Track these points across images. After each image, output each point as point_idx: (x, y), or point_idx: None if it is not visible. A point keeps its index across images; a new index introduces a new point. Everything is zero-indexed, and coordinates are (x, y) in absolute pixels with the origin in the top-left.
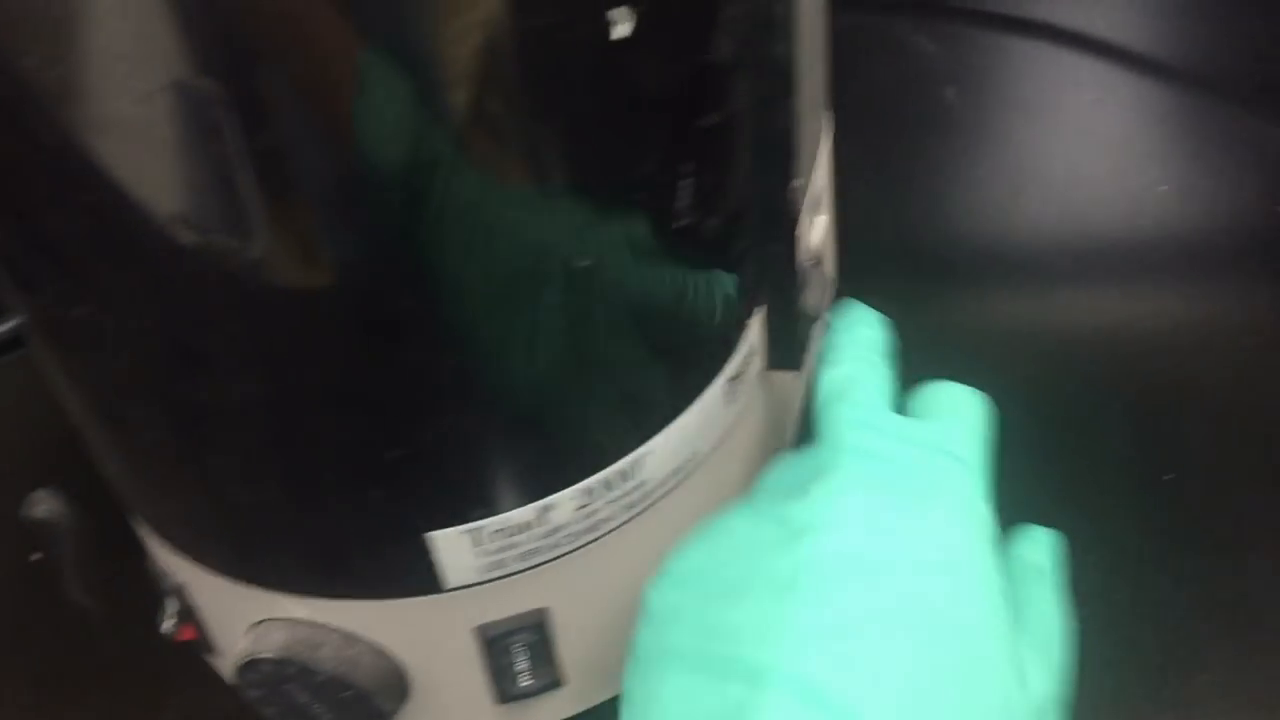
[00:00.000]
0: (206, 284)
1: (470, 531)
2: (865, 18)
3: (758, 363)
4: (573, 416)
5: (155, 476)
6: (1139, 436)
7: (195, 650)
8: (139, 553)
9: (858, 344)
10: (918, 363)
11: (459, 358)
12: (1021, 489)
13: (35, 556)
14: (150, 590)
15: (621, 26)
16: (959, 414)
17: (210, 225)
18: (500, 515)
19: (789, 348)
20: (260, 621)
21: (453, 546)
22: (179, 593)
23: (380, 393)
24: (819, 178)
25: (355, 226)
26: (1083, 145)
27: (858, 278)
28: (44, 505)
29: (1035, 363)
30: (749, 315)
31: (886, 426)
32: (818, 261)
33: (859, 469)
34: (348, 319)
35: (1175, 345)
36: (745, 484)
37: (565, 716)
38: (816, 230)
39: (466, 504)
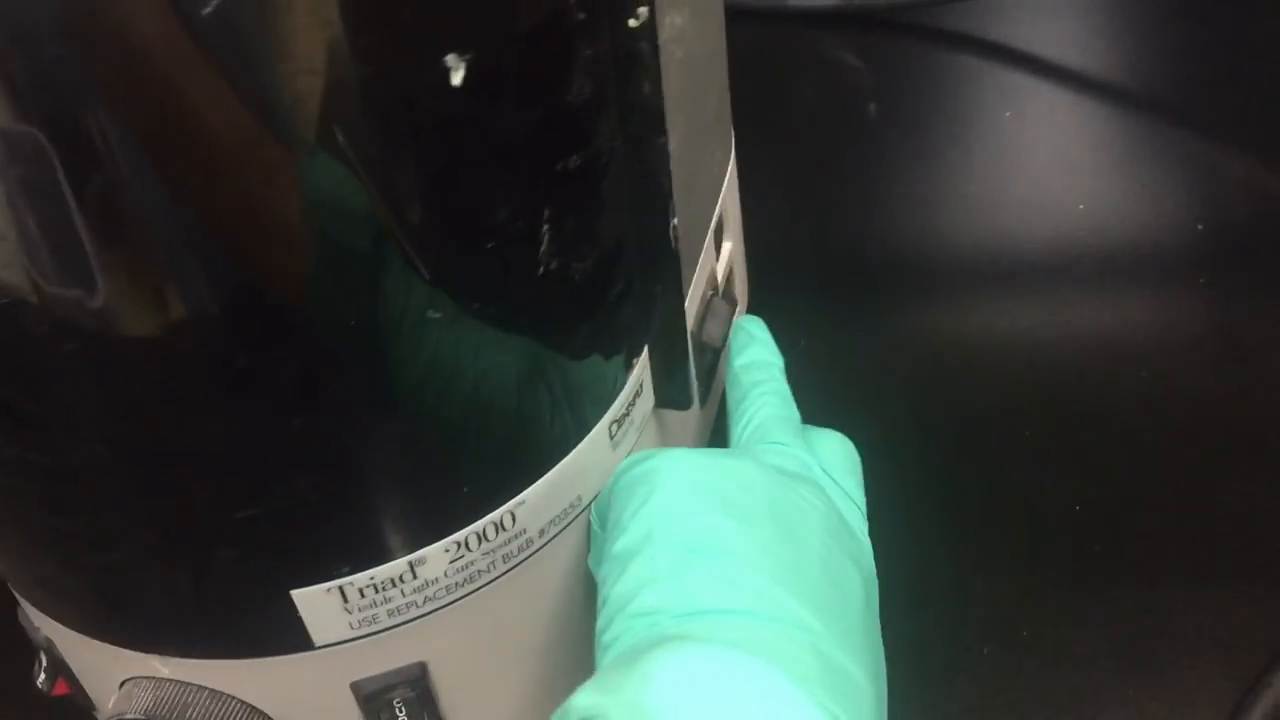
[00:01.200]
0: (49, 337)
1: (336, 589)
2: (790, 31)
3: (647, 402)
4: (440, 467)
5: (7, 536)
6: (1048, 464)
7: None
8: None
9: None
10: (837, 377)
11: (314, 411)
12: (926, 510)
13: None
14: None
15: (457, 74)
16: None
17: (52, 278)
18: (367, 571)
19: (679, 386)
20: (128, 680)
21: (319, 605)
22: (48, 649)
23: (232, 449)
24: (726, 202)
25: (204, 277)
26: (1003, 161)
27: (777, 293)
28: None
29: (951, 377)
30: (635, 355)
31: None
32: (717, 291)
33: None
34: (196, 373)
35: (1089, 365)
36: None
37: None
38: (723, 257)
39: (330, 561)
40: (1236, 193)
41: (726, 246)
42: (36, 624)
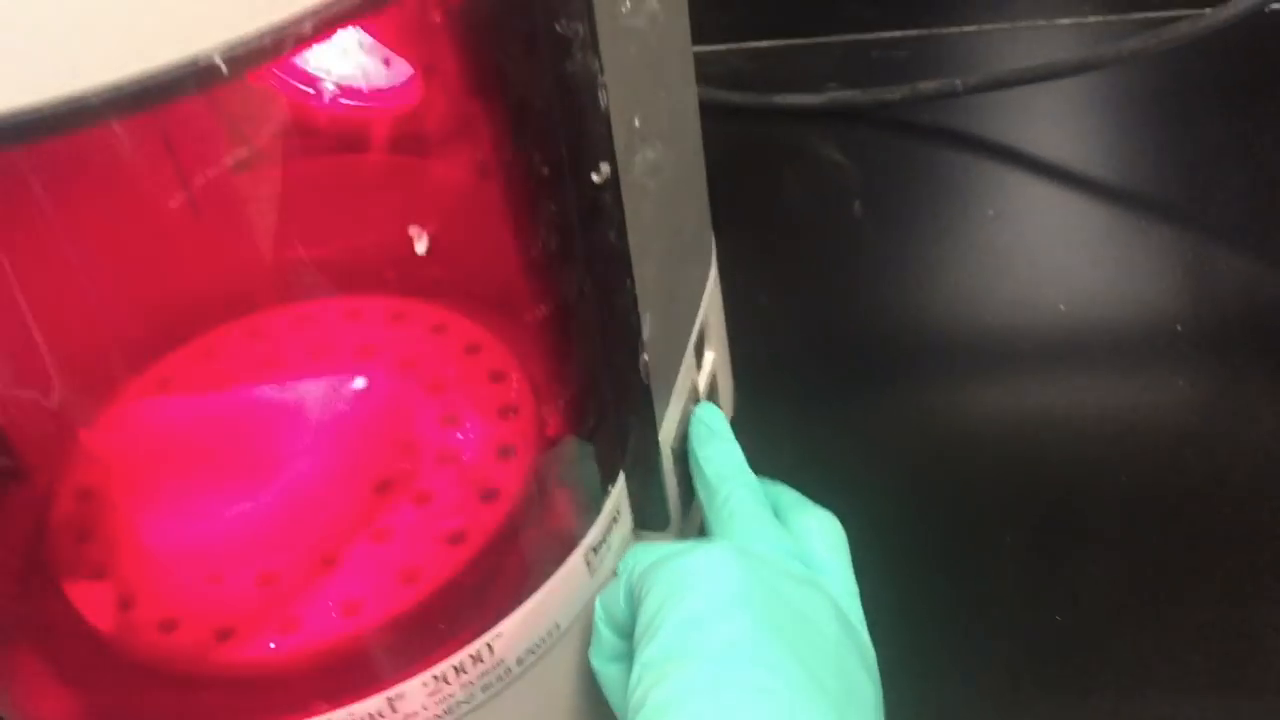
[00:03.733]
0: None
1: None
2: (776, 127)
3: (625, 526)
4: (416, 602)
5: None
6: (1026, 567)
7: None
8: None
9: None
10: (821, 471)
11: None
12: (906, 603)
13: None
14: None
15: (420, 244)
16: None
17: None
18: (346, 708)
19: (657, 508)
20: None
21: None
22: None
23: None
24: (707, 312)
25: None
26: (987, 258)
27: (761, 390)
28: None
29: (934, 473)
30: (610, 482)
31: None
32: (698, 400)
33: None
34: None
35: (1067, 469)
36: None
37: None
38: (705, 366)
39: (308, 698)
40: (1217, 291)
41: (709, 356)
42: None
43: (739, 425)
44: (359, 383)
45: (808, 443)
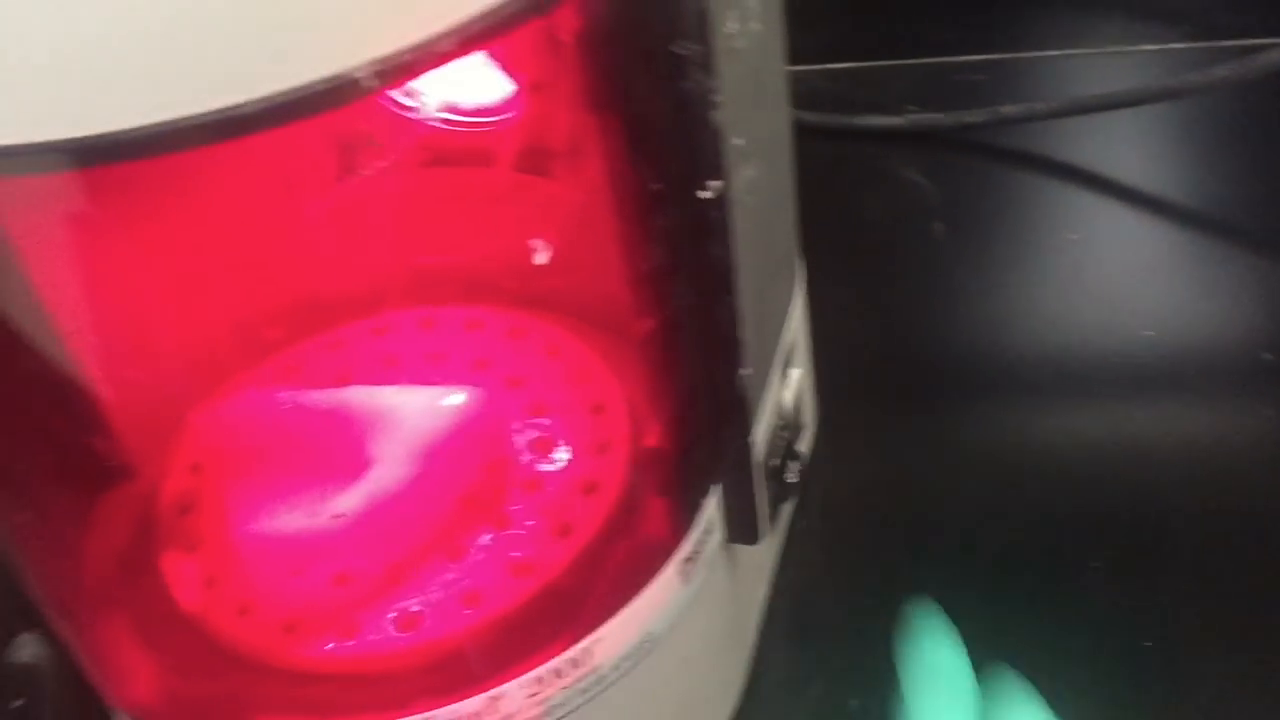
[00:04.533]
0: None
1: None
2: (856, 148)
3: (716, 538)
4: (522, 607)
5: None
6: (1117, 595)
7: None
8: None
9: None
10: (896, 490)
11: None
12: (986, 627)
13: (17, 704)
14: None
15: (541, 255)
16: None
17: None
18: (449, 707)
19: (748, 521)
20: None
21: None
22: None
23: None
24: (794, 331)
25: None
26: (1069, 283)
27: (842, 410)
28: (28, 650)
29: (1018, 493)
30: (704, 494)
31: None
32: (784, 419)
33: None
34: None
35: (1152, 496)
36: (708, 660)
37: None
38: (790, 384)
39: (415, 695)
40: None
41: (794, 374)
42: None
43: (821, 443)
44: (458, 391)
45: (887, 463)
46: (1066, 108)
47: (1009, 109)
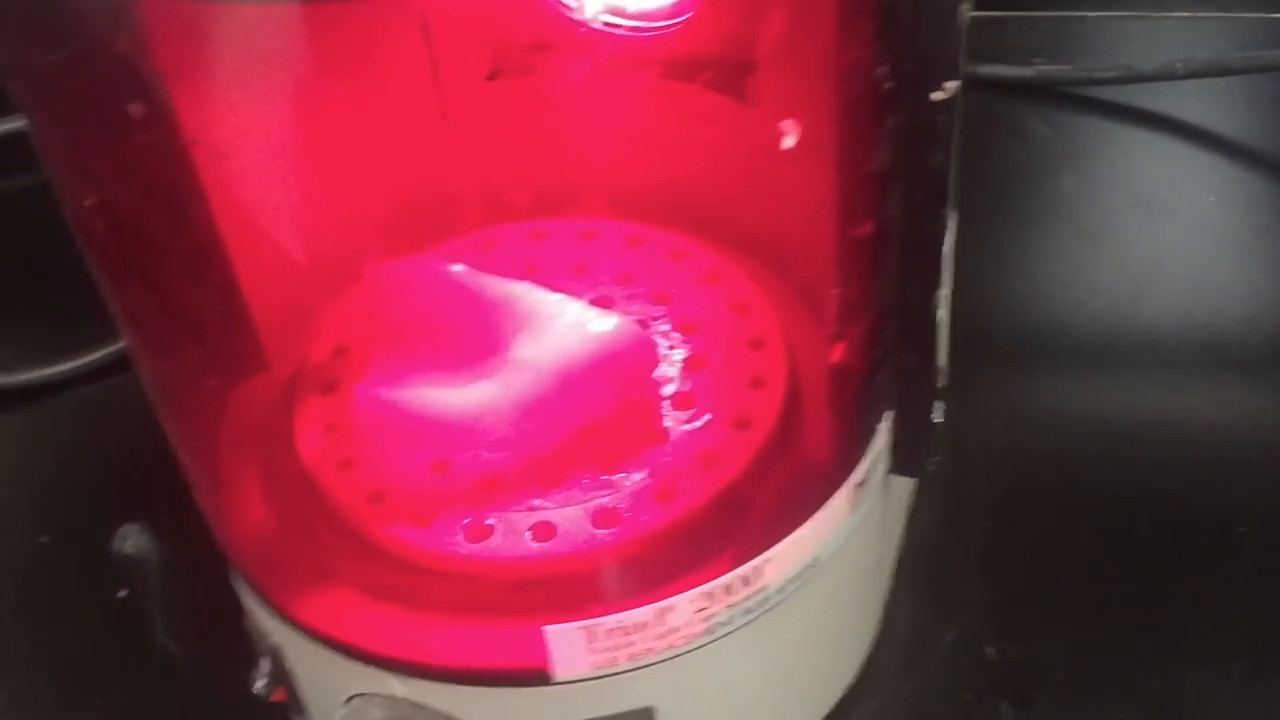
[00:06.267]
0: None
1: (587, 628)
2: (981, 97)
3: (881, 467)
4: (701, 521)
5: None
6: (1253, 567)
7: (286, 710)
8: (229, 596)
9: None
10: (1029, 449)
11: None
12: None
13: (122, 593)
14: (239, 638)
15: (790, 138)
16: None
17: None
18: (618, 615)
19: (916, 452)
20: (356, 696)
21: (567, 641)
22: (274, 655)
23: None
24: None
25: None
26: (1204, 246)
27: (965, 366)
28: (132, 540)
29: (1150, 466)
30: (879, 421)
31: None
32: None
33: None
34: None
35: None
36: (855, 594)
37: None
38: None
39: (588, 600)
40: None
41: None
42: (266, 631)
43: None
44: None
45: (1014, 417)
46: (1207, 68)
47: (1144, 66)
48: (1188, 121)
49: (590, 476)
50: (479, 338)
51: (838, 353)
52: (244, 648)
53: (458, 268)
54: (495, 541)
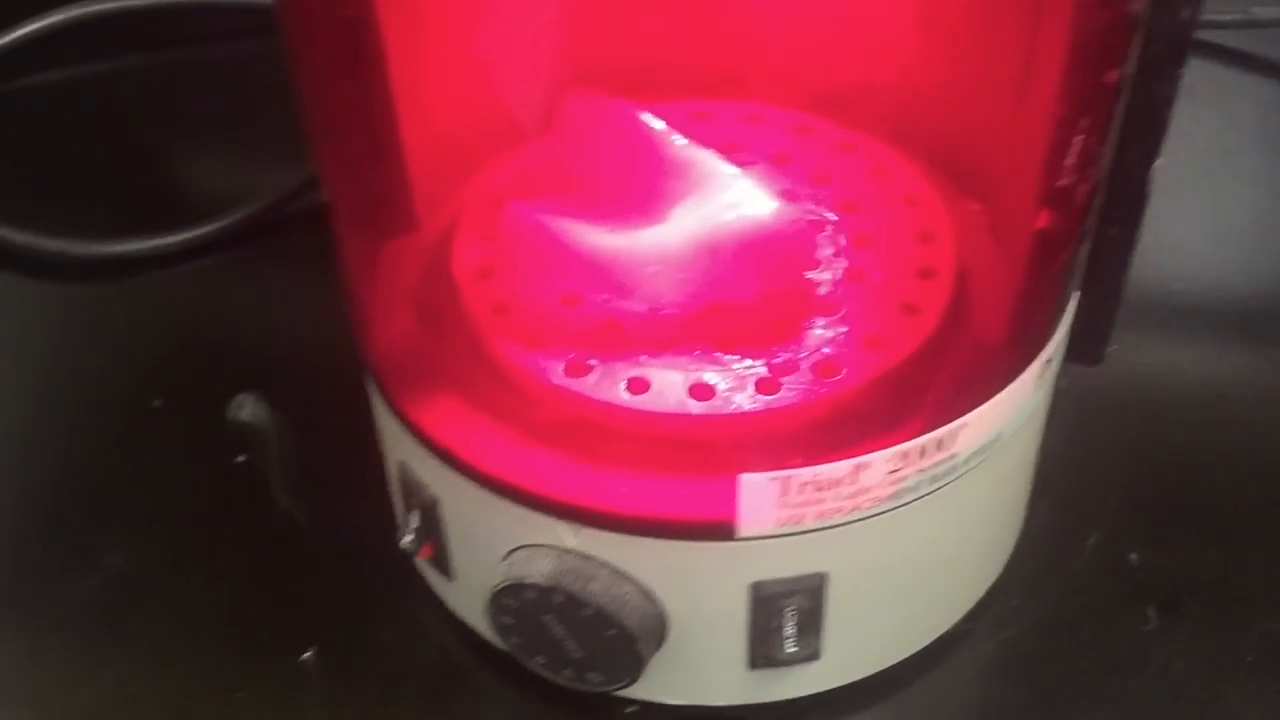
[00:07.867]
0: None
1: (782, 479)
2: None
3: (1061, 350)
4: (906, 379)
5: None
6: None
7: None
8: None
9: None
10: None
11: None
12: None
13: (240, 459)
14: (360, 502)
15: None
16: None
17: None
18: (814, 467)
19: (1096, 339)
20: (520, 547)
21: (759, 493)
22: (429, 508)
23: None
24: None
25: None
26: None
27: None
28: (249, 408)
29: None
30: (1069, 298)
31: None
32: None
33: None
34: None
35: None
36: (1020, 479)
37: (811, 692)
38: None
39: (783, 451)
40: None
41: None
42: (425, 481)
43: None
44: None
45: (1158, 381)
46: None
47: (1264, 11)
48: None
49: (805, 330)
50: (656, 192)
51: (1043, 219)
52: (366, 510)
53: (655, 121)
54: (685, 395)
